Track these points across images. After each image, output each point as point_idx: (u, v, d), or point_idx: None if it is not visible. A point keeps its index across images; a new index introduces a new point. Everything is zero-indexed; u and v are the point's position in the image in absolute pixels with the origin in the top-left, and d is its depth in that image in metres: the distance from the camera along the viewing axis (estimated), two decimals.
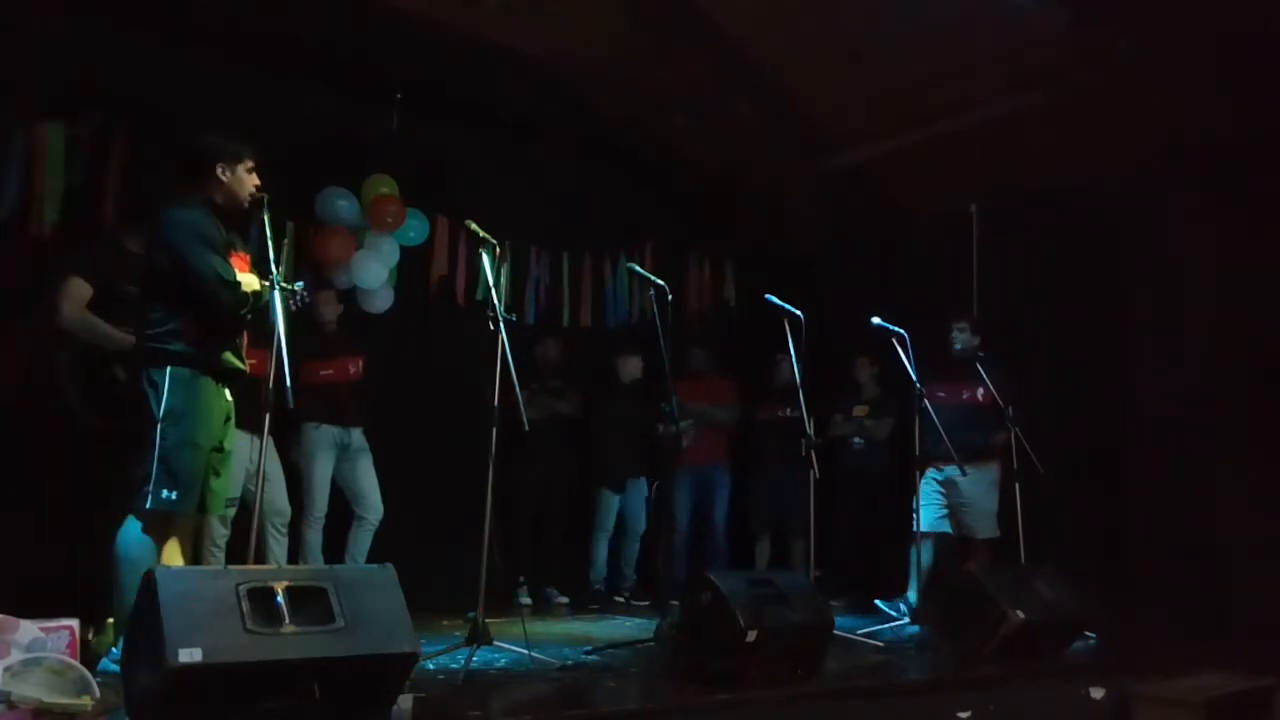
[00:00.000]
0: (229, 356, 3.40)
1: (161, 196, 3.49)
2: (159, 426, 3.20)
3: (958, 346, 5.50)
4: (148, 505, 3.18)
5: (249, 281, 3.38)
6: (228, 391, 3.43)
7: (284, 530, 4.67)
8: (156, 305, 3.30)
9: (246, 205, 3.50)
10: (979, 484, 5.34)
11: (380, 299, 5.58)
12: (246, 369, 3.52)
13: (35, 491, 4.33)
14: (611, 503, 6.13)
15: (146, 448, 3.20)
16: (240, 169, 3.44)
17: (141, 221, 3.84)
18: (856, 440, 6.27)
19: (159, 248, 3.31)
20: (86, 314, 3.75)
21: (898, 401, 5.86)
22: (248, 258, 3.54)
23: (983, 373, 5.16)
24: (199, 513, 3.40)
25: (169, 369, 3.24)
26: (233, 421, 3.48)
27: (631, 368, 6.18)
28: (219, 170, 3.41)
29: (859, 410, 6.28)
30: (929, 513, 5.39)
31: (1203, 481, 5.17)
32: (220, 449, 3.39)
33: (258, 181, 3.48)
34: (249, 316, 3.42)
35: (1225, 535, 5.07)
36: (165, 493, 3.18)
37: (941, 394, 5.34)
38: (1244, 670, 3.66)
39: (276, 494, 4.58)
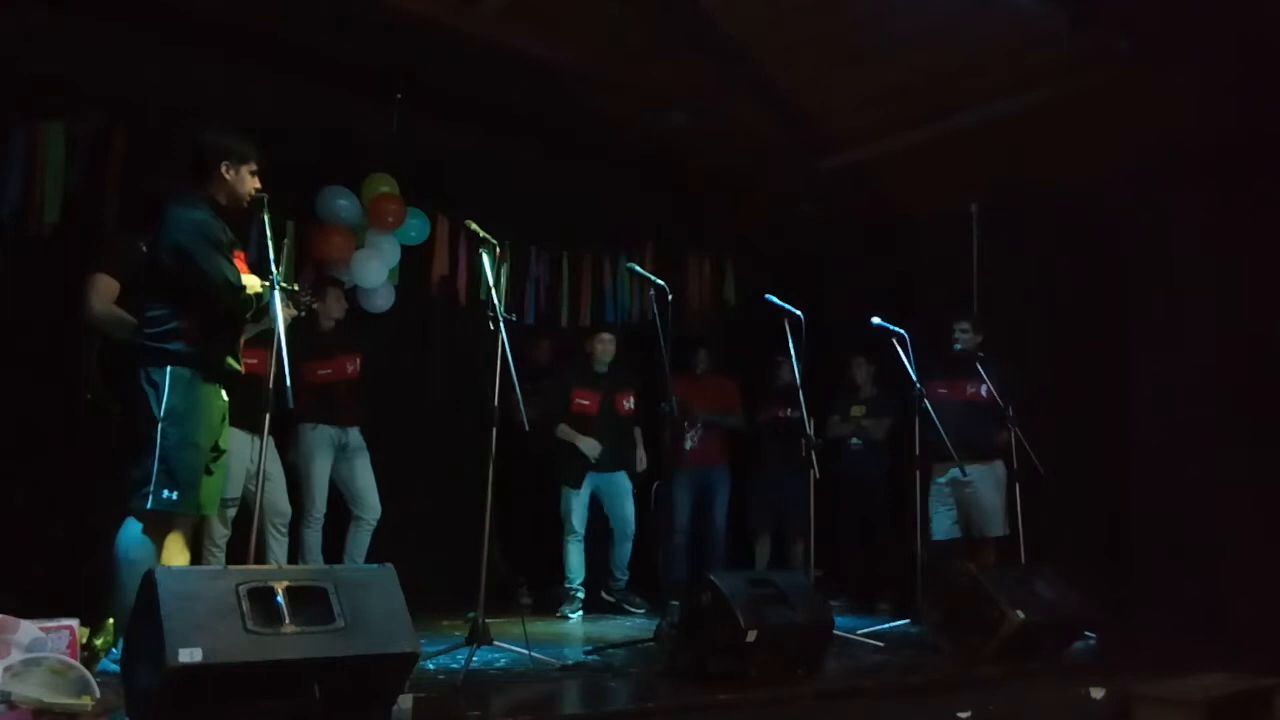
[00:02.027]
0: (229, 359, 3.41)
1: (164, 194, 3.50)
2: (159, 426, 3.18)
3: (959, 346, 5.51)
4: (148, 506, 3.17)
5: (251, 283, 3.39)
6: (224, 391, 3.42)
7: (284, 530, 4.66)
8: (158, 304, 3.30)
9: (245, 205, 3.51)
10: (987, 481, 5.36)
11: (380, 298, 5.58)
12: (242, 370, 3.53)
13: (36, 491, 4.34)
14: (572, 500, 5.58)
15: (144, 448, 3.19)
16: (244, 169, 3.45)
17: (148, 221, 3.89)
18: (854, 440, 6.27)
19: (164, 247, 3.30)
20: (114, 309, 3.76)
21: (895, 401, 5.87)
22: (244, 255, 3.55)
23: (983, 372, 5.16)
24: (196, 514, 3.39)
25: (169, 369, 3.23)
26: (228, 421, 3.48)
27: (601, 351, 5.67)
28: (223, 168, 3.41)
29: (855, 410, 6.29)
30: (944, 520, 5.39)
31: (1203, 481, 5.17)
32: (216, 449, 3.39)
33: (258, 184, 3.49)
34: (252, 319, 3.44)
35: (1225, 535, 5.07)
36: (166, 493, 3.17)
37: (943, 390, 5.35)
38: (1244, 670, 3.66)
39: (277, 494, 4.58)
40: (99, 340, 3.74)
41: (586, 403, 5.62)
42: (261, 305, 3.38)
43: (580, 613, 5.52)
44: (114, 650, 3.15)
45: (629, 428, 5.83)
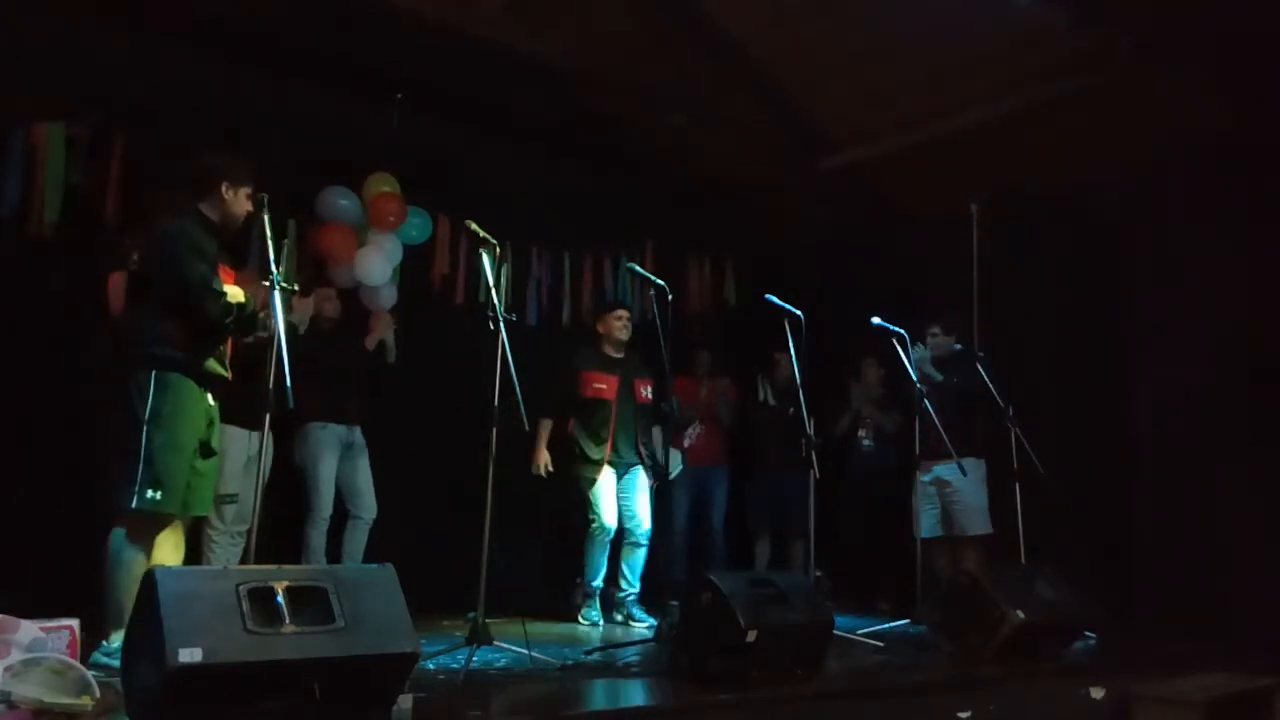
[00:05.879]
0: (212, 363, 3.48)
1: (158, 202, 3.64)
2: (144, 429, 3.27)
3: (945, 350, 5.54)
4: (133, 505, 3.26)
5: (234, 293, 3.47)
6: (210, 396, 3.50)
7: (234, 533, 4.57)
8: (144, 310, 3.40)
9: (237, 225, 3.62)
10: (970, 480, 5.33)
11: (384, 296, 5.56)
12: (229, 376, 3.59)
13: (36, 491, 4.34)
14: (588, 493, 5.15)
15: (130, 449, 3.27)
16: (242, 192, 3.54)
17: (139, 222, 3.96)
18: (866, 441, 6.28)
19: (151, 254, 3.41)
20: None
21: (902, 399, 5.87)
22: (234, 273, 3.62)
23: (981, 372, 5.16)
24: (183, 514, 3.45)
25: (153, 373, 3.32)
26: (216, 425, 3.55)
27: (619, 329, 5.23)
28: (224, 188, 3.51)
29: (866, 410, 6.32)
30: (928, 519, 5.40)
31: (1203, 481, 5.16)
32: (205, 451, 3.47)
33: (250, 208, 3.58)
34: (233, 326, 3.49)
35: (1225, 535, 5.07)
36: (150, 493, 3.26)
37: (929, 387, 5.38)
38: (1244, 670, 3.66)
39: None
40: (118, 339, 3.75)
41: (603, 386, 5.03)
42: (244, 315, 3.47)
43: (597, 616, 5.15)
44: (104, 644, 3.21)
45: (649, 419, 5.26)
